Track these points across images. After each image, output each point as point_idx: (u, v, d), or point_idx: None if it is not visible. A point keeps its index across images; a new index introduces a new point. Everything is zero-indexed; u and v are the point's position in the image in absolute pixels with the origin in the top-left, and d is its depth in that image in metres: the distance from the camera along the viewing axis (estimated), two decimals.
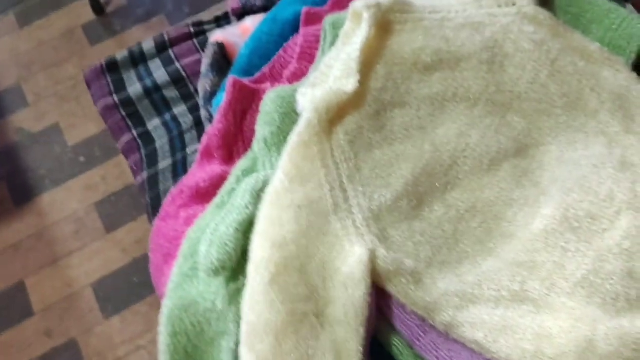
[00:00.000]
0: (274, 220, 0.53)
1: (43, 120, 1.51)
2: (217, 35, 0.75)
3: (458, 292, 0.51)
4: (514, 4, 0.61)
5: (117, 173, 1.41)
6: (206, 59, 0.73)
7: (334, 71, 0.58)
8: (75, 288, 1.27)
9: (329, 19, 0.65)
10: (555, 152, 0.57)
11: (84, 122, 1.50)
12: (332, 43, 0.64)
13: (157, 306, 1.22)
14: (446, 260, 0.54)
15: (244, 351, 0.49)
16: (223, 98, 0.68)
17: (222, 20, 0.87)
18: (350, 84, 0.56)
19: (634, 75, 0.59)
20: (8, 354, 1.22)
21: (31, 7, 1.71)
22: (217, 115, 0.67)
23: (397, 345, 0.53)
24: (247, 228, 0.55)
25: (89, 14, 1.66)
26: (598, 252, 0.51)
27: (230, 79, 0.67)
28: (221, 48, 0.73)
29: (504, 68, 0.59)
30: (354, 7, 0.59)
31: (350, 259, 0.51)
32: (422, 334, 0.51)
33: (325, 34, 0.65)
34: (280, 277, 0.50)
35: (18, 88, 1.58)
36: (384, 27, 0.59)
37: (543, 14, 0.60)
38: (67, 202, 1.38)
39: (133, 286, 1.27)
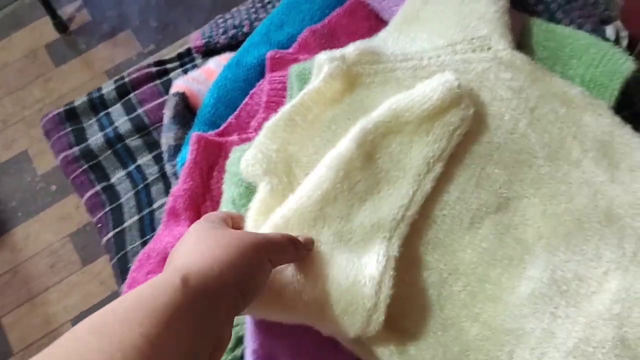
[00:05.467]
0: None
1: (11, 148, 1.44)
2: (177, 85, 0.70)
3: None
4: (489, 48, 0.57)
5: None
6: (168, 112, 0.67)
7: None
8: (54, 325, 1.22)
9: (294, 70, 0.61)
10: (538, 205, 0.54)
11: None
12: None
13: None
14: (431, 328, 0.51)
15: None
16: (188, 154, 0.64)
17: (185, 57, 0.80)
18: None
19: (617, 119, 0.55)
20: None
21: None
22: (182, 174, 0.63)
23: None
24: None
25: (51, 33, 1.58)
26: (588, 318, 0.49)
27: (193, 135, 0.63)
28: (183, 98, 0.68)
29: (481, 118, 0.56)
30: (317, 60, 0.55)
31: None
32: None
33: (291, 86, 0.61)
34: None
35: None
36: (351, 80, 0.55)
37: (520, 58, 0.56)
38: (41, 235, 1.32)
39: None
